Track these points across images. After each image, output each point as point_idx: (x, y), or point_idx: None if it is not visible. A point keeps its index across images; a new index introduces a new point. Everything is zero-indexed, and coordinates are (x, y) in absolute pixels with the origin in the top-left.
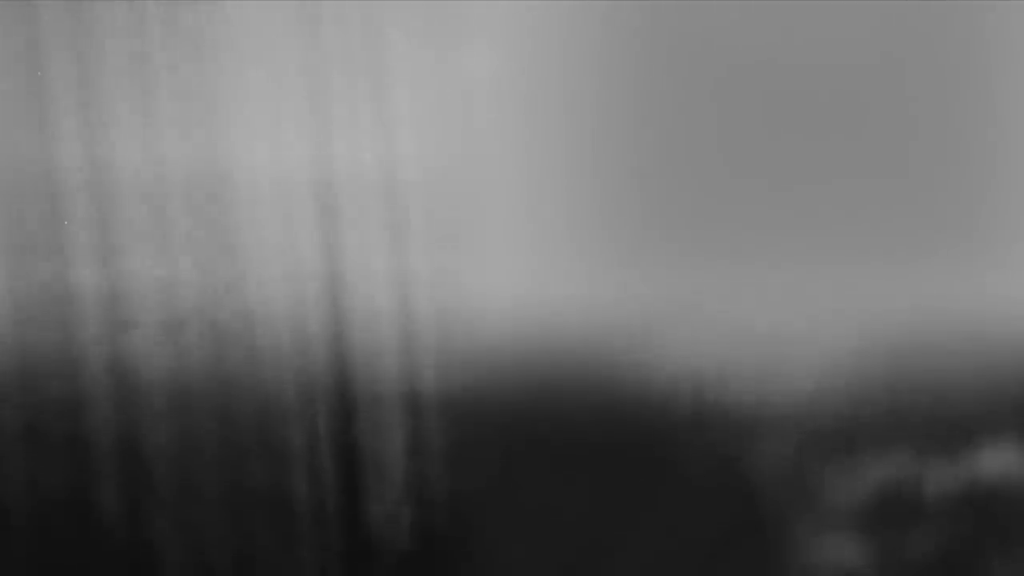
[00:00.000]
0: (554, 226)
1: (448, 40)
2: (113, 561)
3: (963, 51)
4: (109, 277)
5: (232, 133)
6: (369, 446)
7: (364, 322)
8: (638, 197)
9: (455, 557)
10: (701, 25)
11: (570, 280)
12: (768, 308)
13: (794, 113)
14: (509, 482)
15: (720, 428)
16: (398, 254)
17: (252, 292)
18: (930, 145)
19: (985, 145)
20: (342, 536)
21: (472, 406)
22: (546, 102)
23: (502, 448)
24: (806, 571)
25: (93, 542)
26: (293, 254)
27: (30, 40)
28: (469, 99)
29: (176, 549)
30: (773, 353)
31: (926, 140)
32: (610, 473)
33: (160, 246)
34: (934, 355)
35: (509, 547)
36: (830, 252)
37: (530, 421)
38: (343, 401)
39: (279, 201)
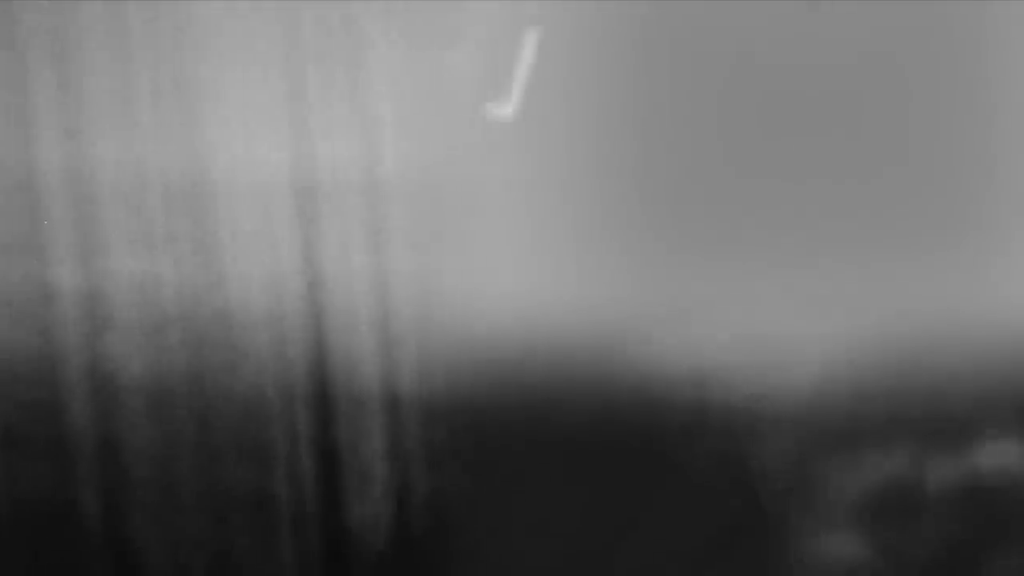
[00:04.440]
0: (545, 225)
1: (430, 40)
2: (93, 562)
3: (963, 50)
4: (88, 277)
5: (212, 133)
6: (349, 448)
7: (345, 323)
8: (634, 196)
9: (437, 559)
10: (701, 24)
11: (565, 281)
12: (769, 307)
13: (795, 112)
14: (495, 485)
15: (720, 429)
16: (380, 256)
17: (232, 293)
18: (930, 144)
19: (986, 144)
20: (322, 537)
21: (454, 408)
22: (540, 101)
23: (486, 451)
24: (808, 570)
25: (72, 543)
26: (273, 254)
27: (10, 39)
28: (453, 98)
29: (156, 550)
30: (774, 353)
31: (926, 139)
32: (606, 476)
33: (140, 246)
34: (935, 354)
35: (495, 551)
36: (831, 252)
37: (518, 423)
38: (323, 402)
39: (259, 201)
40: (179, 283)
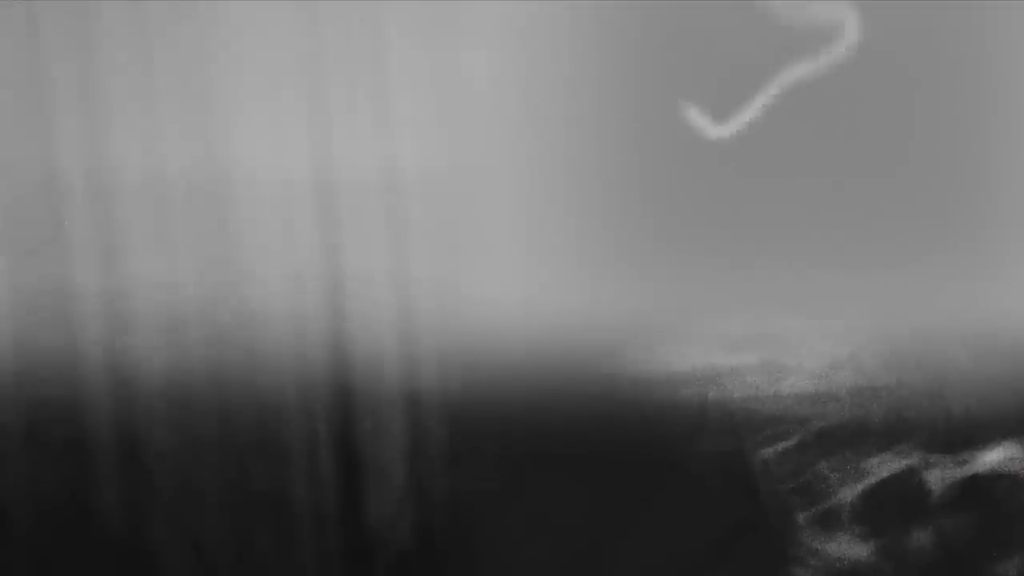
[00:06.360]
0: (555, 228)
1: (448, 41)
2: (112, 561)
3: (963, 50)
4: (109, 278)
5: (232, 133)
6: (369, 448)
7: (365, 324)
8: (639, 199)
9: (455, 559)
10: (701, 25)
11: (571, 283)
12: (770, 310)
13: (794, 114)
14: (510, 484)
15: (722, 431)
16: (399, 256)
17: (253, 293)
18: (930, 146)
19: (986, 146)
20: (341, 537)
21: (473, 408)
22: (546, 104)
23: (503, 450)
24: (809, 571)
25: (92, 543)
26: (293, 255)
27: (31, 40)
28: (469, 100)
29: (175, 549)
30: (775, 355)
31: (926, 141)
32: (611, 476)
33: (160, 247)
34: (935, 356)
35: (509, 549)
36: (831, 254)
37: (532, 423)
38: (343, 403)
39: (279, 202)
40: (200, 284)
